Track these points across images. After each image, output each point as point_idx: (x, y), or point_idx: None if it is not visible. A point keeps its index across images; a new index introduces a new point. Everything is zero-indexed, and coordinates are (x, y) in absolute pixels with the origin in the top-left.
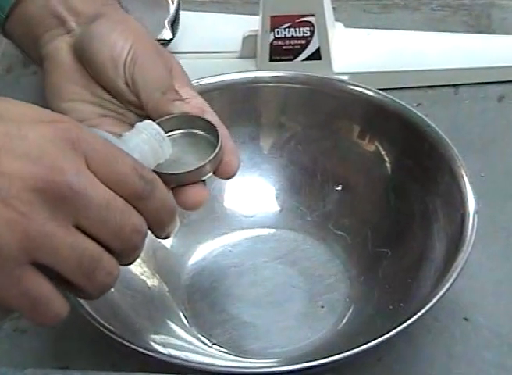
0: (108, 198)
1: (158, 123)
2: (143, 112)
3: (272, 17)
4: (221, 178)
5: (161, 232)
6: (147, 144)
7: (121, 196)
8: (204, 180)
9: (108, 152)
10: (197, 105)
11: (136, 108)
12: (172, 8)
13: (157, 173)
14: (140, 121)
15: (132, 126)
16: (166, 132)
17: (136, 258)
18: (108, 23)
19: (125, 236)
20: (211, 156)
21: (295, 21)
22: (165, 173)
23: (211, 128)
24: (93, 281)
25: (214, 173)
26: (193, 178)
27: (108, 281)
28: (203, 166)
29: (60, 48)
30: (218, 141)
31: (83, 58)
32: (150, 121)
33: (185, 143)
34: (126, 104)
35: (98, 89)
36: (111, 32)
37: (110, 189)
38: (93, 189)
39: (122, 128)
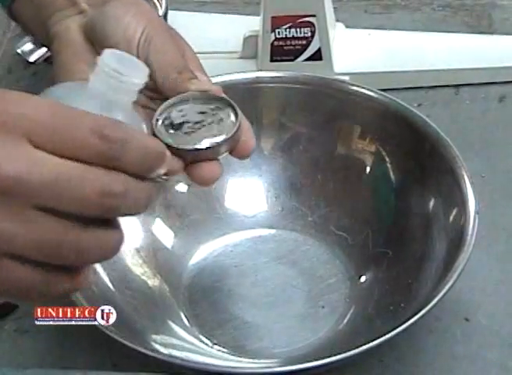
0: (56, 171)
1: (174, 102)
2: (154, 95)
3: (273, 17)
4: (237, 157)
5: (151, 174)
6: (110, 87)
7: (86, 161)
8: (217, 158)
9: (57, 121)
10: (214, 84)
11: (147, 90)
12: (161, 12)
13: (174, 148)
14: (148, 100)
15: (143, 107)
16: (183, 109)
17: (143, 210)
18: (121, 5)
19: (93, 202)
20: (231, 133)
21: (296, 21)
22: (183, 149)
23: (229, 106)
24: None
25: (230, 153)
26: (211, 155)
27: (85, 258)
28: (223, 142)
29: (70, 27)
30: (236, 119)
31: (96, 39)
32: (109, 50)
33: (203, 120)
34: None
35: None
36: (124, 14)
37: (69, 158)
38: (33, 169)
39: (134, 107)
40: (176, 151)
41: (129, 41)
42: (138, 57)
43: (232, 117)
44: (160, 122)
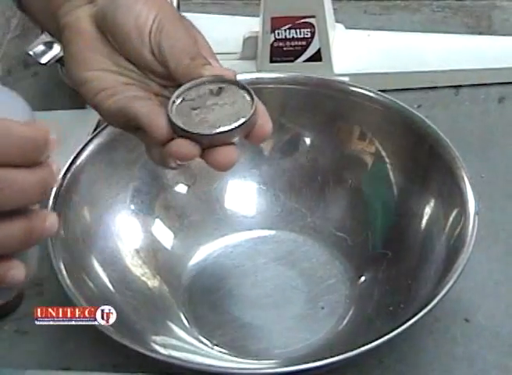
0: None
1: (189, 87)
2: (166, 83)
3: (273, 18)
4: (254, 142)
5: (36, 160)
6: None
7: None
8: (234, 142)
9: None
10: (228, 69)
11: (160, 78)
12: None
13: (190, 132)
14: (161, 88)
15: (156, 95)
16: (198, 93)
17: (38, 197)
18: None
19: None
20: (248, 116)
21: (295, 22)
22: (199, 134)
23: (243, 90)
24: None
25: (246, 137)
26: (228, 139)
27: None
28: (239, 126)
29: (81, 17)
30: (252, 103)
31: (107, 28)
32: None
33: (218, 104)
34: (149, 74)
35: (121, 59)
36: (135, 2)
37: None
38: None
39: (147, 94)
40: (191, 136)
41: (140, 29)
42: (150, 44)
43: (248, 101)
44: (175, 107)
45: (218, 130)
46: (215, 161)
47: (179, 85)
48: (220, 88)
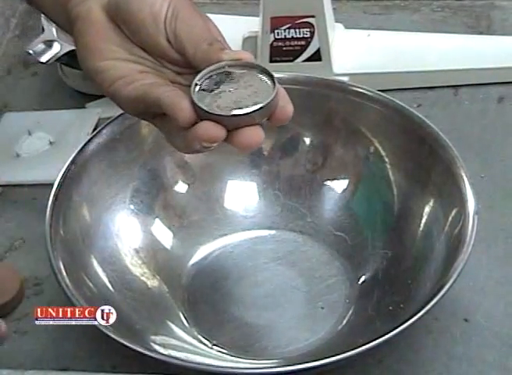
0: None
1: (210, 70)
2: (181, 70)
3: (272, 18)
4: (275, 123)
5: None
6: None
7: None
8: (258, 123)
9: None
10: (246, 53)
11: (174, 65)
12: None
13: (215, 114)
14: (175, 75)
15: (172, 82)
16: (219, 76)
17: None
18: None
19: None
20: (271, 97)
21: (295, 22)
22: (224, 116)
23: (264, 73)
24: None
25: (269, 119)
26: (251, 121)
27: None
28: (263, 107)
29: (92, 8)
30: (274, 85)
31: (120, 16)
32: None
33: (240, 86)
34: (163, 62)
35: (134, 48)
36: None
37: None
38: None
39: (165, 81)
40: (216, 118)
41: (155, 16)
42: (166, 31)
43: (269, 82)
44: (197, 90)
45: (241, 112)
46: (240, 142)
47: (197, 71)
48: (241, 71)
